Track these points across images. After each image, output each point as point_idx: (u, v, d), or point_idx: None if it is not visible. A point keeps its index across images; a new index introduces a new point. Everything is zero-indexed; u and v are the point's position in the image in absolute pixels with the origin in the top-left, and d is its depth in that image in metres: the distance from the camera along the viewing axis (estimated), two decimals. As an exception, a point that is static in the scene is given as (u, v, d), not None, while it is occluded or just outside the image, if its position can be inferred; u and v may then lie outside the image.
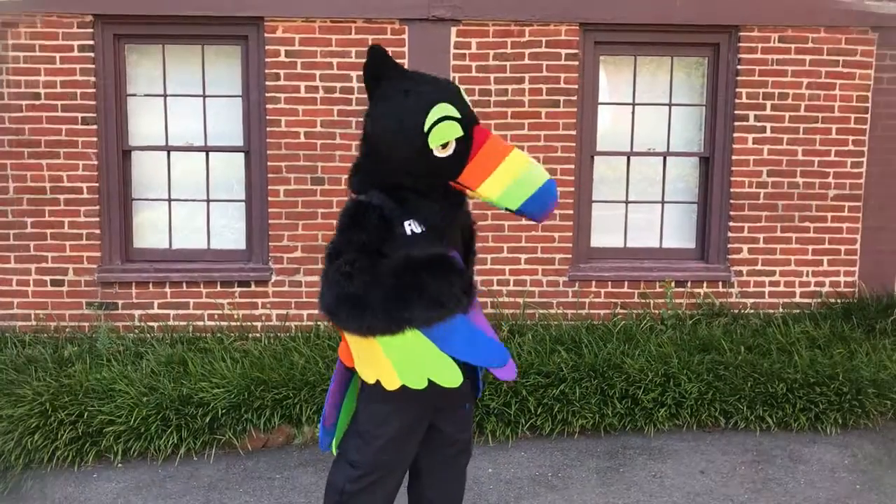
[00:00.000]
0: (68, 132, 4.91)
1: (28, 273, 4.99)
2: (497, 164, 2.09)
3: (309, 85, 4.96)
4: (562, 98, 5.07)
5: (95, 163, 4.95)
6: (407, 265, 2.07)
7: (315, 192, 5.04)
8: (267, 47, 4.92)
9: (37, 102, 4.88)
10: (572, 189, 5.16)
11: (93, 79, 4.90)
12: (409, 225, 2.14)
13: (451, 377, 2.09)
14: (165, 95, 5.11)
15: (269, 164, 5.02)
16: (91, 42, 4.87)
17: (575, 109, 5.09)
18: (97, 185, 4.96)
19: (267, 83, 4.95)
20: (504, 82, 5.04)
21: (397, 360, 2.10)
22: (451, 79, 4.95)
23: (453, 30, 4.97)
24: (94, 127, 4.92)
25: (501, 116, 5.06)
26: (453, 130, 2.06)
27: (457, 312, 2.10)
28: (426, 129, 2.04)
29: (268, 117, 4.98)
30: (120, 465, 3.82)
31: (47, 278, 4.99)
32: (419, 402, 2.23)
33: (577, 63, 5.05)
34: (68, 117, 4.90)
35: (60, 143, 4.91)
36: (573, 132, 5.11)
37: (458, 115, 2.07)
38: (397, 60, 2.24)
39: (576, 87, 5.07)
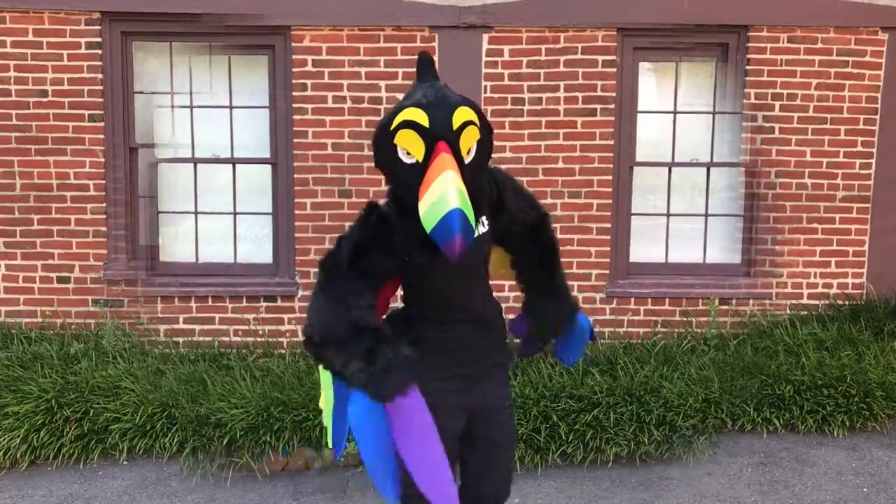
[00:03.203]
0: (75, 129, 4.91)
1: (34, 270, 4.99)
2: (432, 181, 1.84)
3: (336, 95, 4.88)
4: (599, 106, 4.93)
5: (102, 160, 4.94)
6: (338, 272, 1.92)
7: (342, 204, 4.93)
8: (294, 56, 4.85)
9: (44, 99, 4.88)
10: (610, 201, 5.01)
11: (100, 76, 4.90)
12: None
13: (329, 440, 1.91)
14: (192, 107, 5.04)
15: (295, 176, 4.94)
16: (98, 39, 4.87)
17: (612, 118, 4.95)
18: (104, 182, 4.96)
19: (294, 93, 4.88)
20: (538, 90, 4.91)
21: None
22: (483, 87, 4.84)
23: (485, 37, 4.87)
24: (102, 124, 4.92)
25: (535, 126, 4.94)
26: (408, 137, 1.90)
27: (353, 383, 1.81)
28: (391, 128, 1.94)
29: (294, 128, 4.90)
30: (125, 462, 3.82)
31: (53, 275, 4.99)
32: None
33: (614, 70, 4.93)
34: (75, 114, 4.90)
35: (67, 141, 4.91)
36: (611, 142, 4.97)
37: (425, 122, 1.89)
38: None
39: (613, 94, 4.95)
